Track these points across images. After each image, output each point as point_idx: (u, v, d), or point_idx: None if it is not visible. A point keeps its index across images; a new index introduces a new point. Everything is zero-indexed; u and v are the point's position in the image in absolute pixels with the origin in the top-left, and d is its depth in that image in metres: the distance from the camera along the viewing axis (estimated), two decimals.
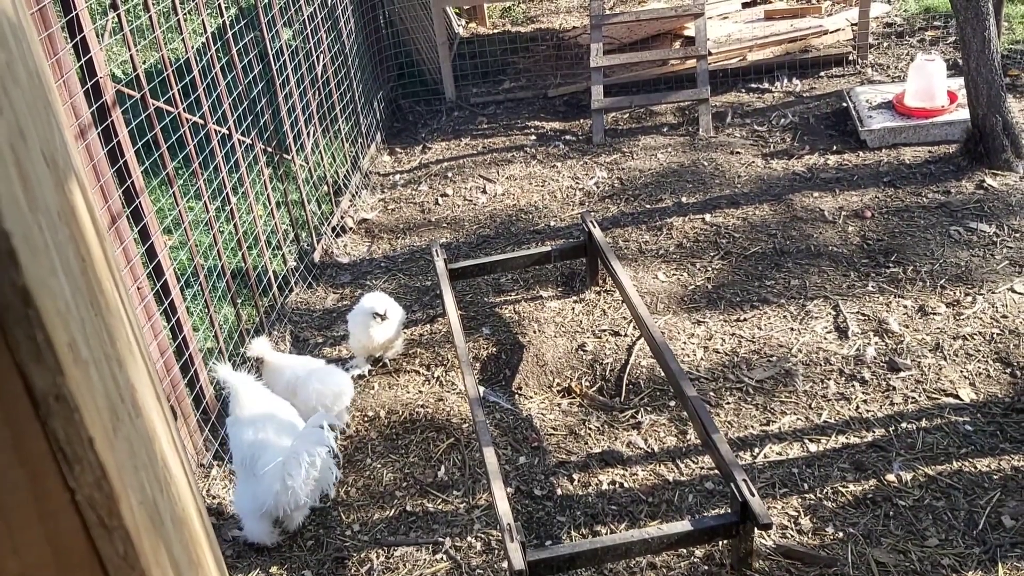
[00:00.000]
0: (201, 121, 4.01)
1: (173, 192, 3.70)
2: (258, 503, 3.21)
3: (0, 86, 0.51)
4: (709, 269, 4.65)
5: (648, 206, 5.34)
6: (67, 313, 0.48)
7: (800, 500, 3.25)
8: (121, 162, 3.33)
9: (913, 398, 3.65)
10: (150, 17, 3.56)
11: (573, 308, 4.48)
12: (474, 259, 4.65)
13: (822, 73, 6.84)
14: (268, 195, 4.67)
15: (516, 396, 3.95)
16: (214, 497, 3.60)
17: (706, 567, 3.02)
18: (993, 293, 4.17)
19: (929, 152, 5.50)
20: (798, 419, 3.62)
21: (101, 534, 0.48)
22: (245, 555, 3.32)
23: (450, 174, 6.13)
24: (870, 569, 2.94)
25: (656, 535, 2.84)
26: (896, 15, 7.66)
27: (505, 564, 3.06)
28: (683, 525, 2.89)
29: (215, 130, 4.09)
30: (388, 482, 3.57)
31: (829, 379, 3.80)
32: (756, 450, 3.49)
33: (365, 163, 6.25)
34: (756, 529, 2.86)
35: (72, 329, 0.48)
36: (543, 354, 4.15)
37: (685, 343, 4.13)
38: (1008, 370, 3.72)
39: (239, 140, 4.34)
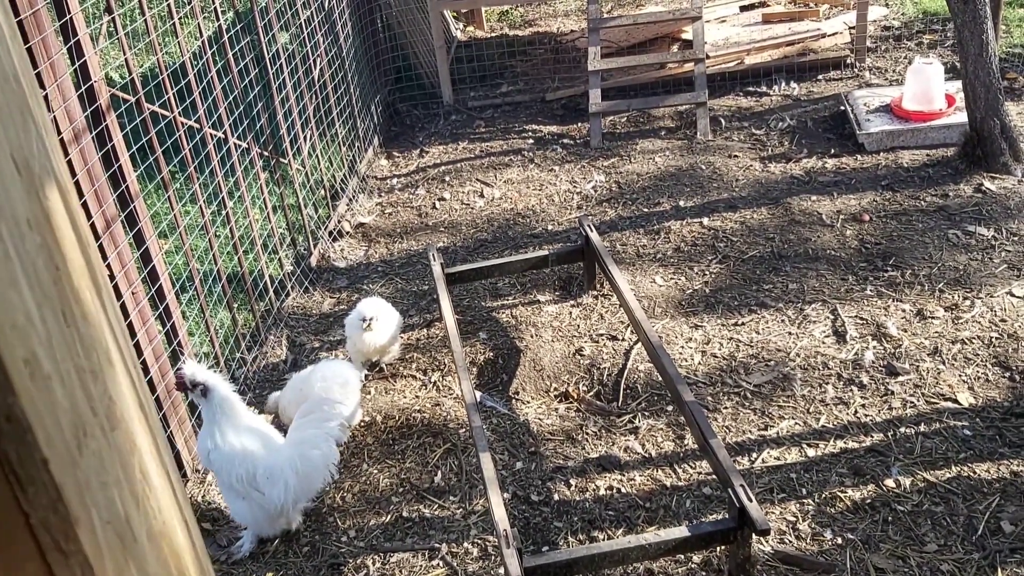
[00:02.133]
0: (197, 125, 4.00)
1: (168, 196, 3.68)
2: (274, 505, 3.21)
3: None
4: (707, 273, 4.63)
5: (646, 210, 5.33)
6: (27, 326, 0.46)
7: (798, 505, 3.23)
8: (116, 166, 3.31)
9: (911, 402, 3.63)
10: (145, 21, 3.55)
11: (570, 312, 4.47)
12: (471, 263, 4.64)
13: (820, 77, 6.83)
14: (265, 199, 4.66)
15: (513, 401, 3.93)
16: (210, 504, 3.58)
17: (704, 573, 3.01)
18: (992, 297, 4.16)
19: (927, 155, 5.50)
20: (796, 424, 3.60)
21: (58, 559, 0.46)
22: (240, 562, 3.30)
23: (447, 178, 6.12)
24: (869, 575, 2.92)
25: (654, 541, 2.83)
26: (894, 18, 7.66)
27: (502, 570, 3.04)
28: (681, 531, 2.87)
29: (211, 134, 4.07)
30: (384, 487, 3.55)
31: (827, 383, 3.78)
32: (754, 455, 3.48)
33: (362, 167, 6.24)
34: (754, 535, 2.84)
35: (32, 343, 0.46)
36: (540, 359, 4.13)
37: (683, 347, 4.11)
38: (1007, 374, 3.70)
39: (235, 144, 4.32)
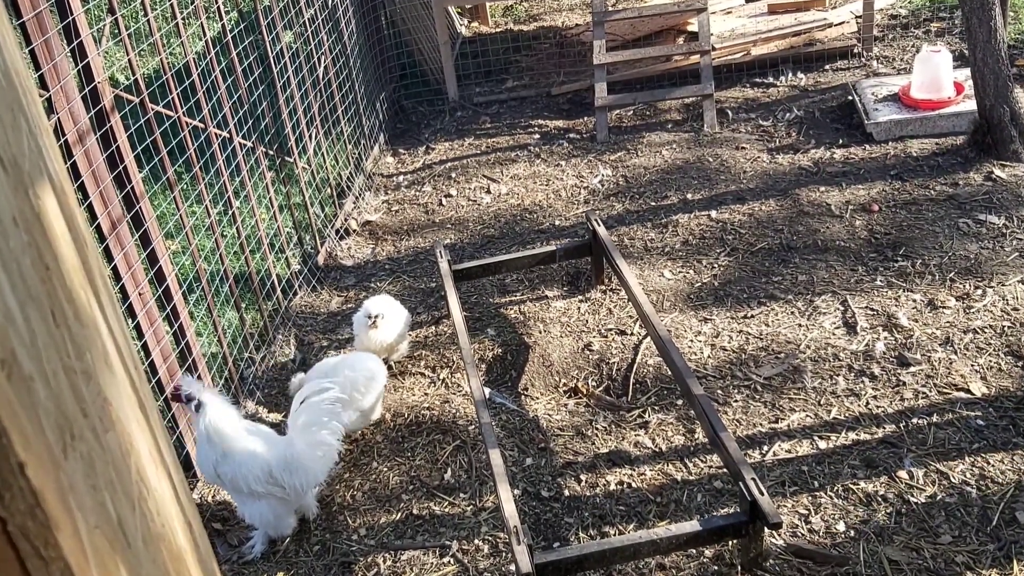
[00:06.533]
0: (201, 125, 3.99)
1: (174, 197, 3.68)
2: (296, 492, 3.23)
3: None
4: (715, 266, 4.61)
5: (653, 203, 5.31)
6: (6, 325, 0.45)
7: (810, 498, 3.21)
8: (121, 167, 3.31)
9: (923, 393, 3.60)
10: (148, 21, 3.54)
11: (579, 307, 4.45)
12: (478, 260, 4.63)
13: (827, 67, 6.79)
14: (271, 198, 4.65)
15: (522, 397, 3.92)
16: (220, 504, 3.58)
17: (716, 567, 2.99)
18: (1003, 285, 4.12)
19: (936, 144, 5.45)
20: (807, 416, 3.58)
21: (37, 565, 0.45)
22: (251, 563, 3.29)
23: (454, 174, 6.10)
24: (882, 567, 2.90)
25: (665, 536, 2.81)
26: (901, 7, 7.61)
27: (513, 567, 3.03)
28: (692, 525, 2.86)
29: (216, 134, 4.07)
30: (394, 485, 3.54)
31: (838, 375, 3.76)
32: (765, 448, 3.46)
33: (368, 165, 6.23)
34: (766, 528, 2.83)
35: (12, 343, 0.45)
36: (549, 354, 4.12)
37: (692, 341, 4.09)
38: (1020, 363, 3.67)
39: (240, 143, 4.32)
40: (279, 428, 3.70)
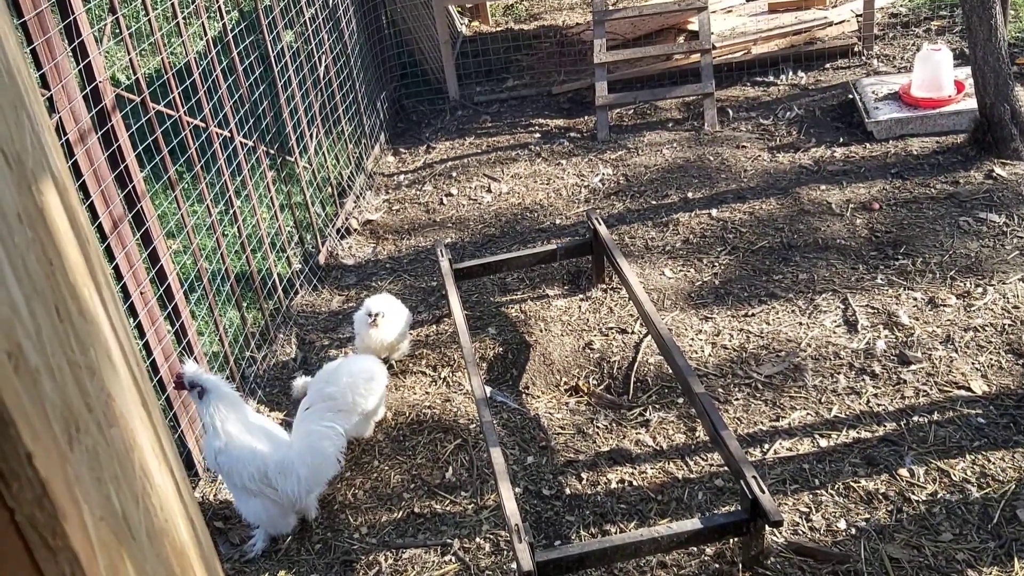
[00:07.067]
0: (202, 124, 3.99)
1: (175, 196, 3.68)
2: (288, 498, 3.23)
3: None
4: (716, 265, 4.61)
5: (654, 202, 5.31)
6: (12, 319, 0.45)
7: (811, 496, 3.21)
8: (122, 166, 3.31)
9: (924, 391, 3.60)
10: (149, 21, 3.54)
11: (579, 306, 4.45)
12: (479, 258, 4.63)
13: (827, 65, 6.79)
14: (272, 198, 4.66)
15: (523, 396, 3.92)
16: (221, 502, 3.59)
17: (717, 565, 2.99)
18: (1004, 283, 4.12)
19: (937, 142, 5.45)
20: (808, 414, 3.58)
21: (45, 556, 0.45)
22: (253, 561, 3.30)
23: (455, 174, 6.11)
24: (883, 565, 2.90)
25: (666, 534, 2.82)
26: (901, 5, 7.60)
27: (514, 565, 3.04)
28: (693, 523, 2.86)
29: (217, 133, 4.07)
30: (396, 484, 3.55)
31: (839, 373, 3.76)
32: (766, 446, 3.46)
33: (369, 164, 6.23)
34: (767, 526, 2.83)
35: (18, 335, 0.45)
36: (550, 353, 4.12)
37: (693, 339, 4.09)
38: (1020, 361, 3.67)
39: (241, 143, 4.32)
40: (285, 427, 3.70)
